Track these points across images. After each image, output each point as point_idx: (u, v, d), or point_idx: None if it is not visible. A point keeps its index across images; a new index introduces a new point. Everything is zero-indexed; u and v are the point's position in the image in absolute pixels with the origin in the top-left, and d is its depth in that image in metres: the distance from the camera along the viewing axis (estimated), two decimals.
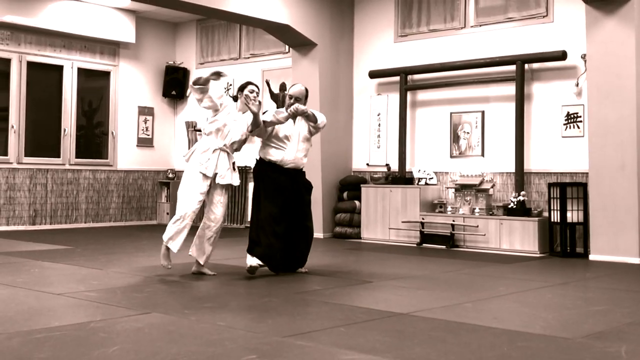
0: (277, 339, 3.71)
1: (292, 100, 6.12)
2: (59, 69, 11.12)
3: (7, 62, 10.55)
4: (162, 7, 8.99)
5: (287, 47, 10.67)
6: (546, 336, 3.89)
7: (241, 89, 6.13)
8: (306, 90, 6.29)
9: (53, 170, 10.99)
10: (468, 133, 9.20)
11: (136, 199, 12.04)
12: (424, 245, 8.89)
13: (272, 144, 6.08)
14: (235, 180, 6.11)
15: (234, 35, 11.78)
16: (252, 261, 5.90)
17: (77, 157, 11.27)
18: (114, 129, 11.77)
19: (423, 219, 8.96)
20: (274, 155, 6.05)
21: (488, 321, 4.29)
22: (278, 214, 6.01)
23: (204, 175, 5.96)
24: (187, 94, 12.36)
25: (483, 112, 9.09)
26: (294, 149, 6.09)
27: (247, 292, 5.31)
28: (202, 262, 6.08)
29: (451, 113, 9.36)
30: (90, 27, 11.12)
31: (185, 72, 12.37)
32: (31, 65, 10.78)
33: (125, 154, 11.91)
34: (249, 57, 11.57)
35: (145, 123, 12.20)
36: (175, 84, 12.31)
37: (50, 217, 10.98)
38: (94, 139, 11.69)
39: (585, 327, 4.17)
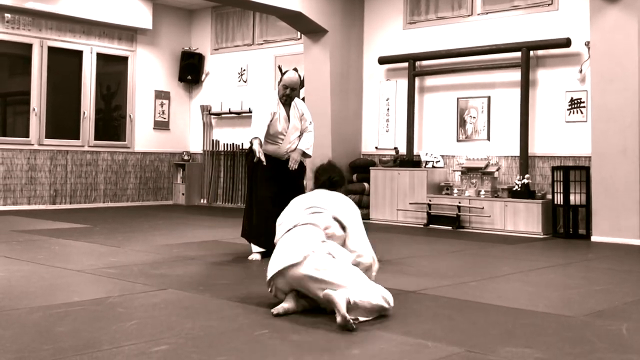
0: (288, 314, 3.77)
1: (287, 91, 6.03)
2: (78, 54, 11.29)
3: (29, 47, 10.71)
4: None
5: (299, 33, 10.76)
6: (549, 314, 3.94)
7: None
8: (300, 78, 6.14)
9: (73, 152, 11.18)
10: (474, 118, 9.33)
11: (153, 180, 12.24)
12: (430, 226, 9.04)
13: (267, 140, 6.04)
14: None
15: (247, 22, 11.91)
16: (256, 256, 5.92)
17: (95, 139, 11.46)
18: (132, 112, 11.96)
19: (430, 200, 9.12)
20: (269, 148, 6.04)
21: (493, 299, 4.35)
22: (273, 198, 5.97)
23: None
24: (202, 79, 12.59)
25: (489, 98, 9.21)
26: (286, 142, 6.12)
27: (259, 271, 5.20)
28: None
29: (458, 98, 9.48)
30: (108, 14, 11.28)
31: (200, 58, 12.51)
32: (52, 51, 10.94)
33: (142, 137, 12.10)
34: (262, 44, 11.70)
35: (162, 107, 12.39)
36: (190, 69, 12.45)
37: (70, 196, 11.19)
38: (112, 121, 11.88)
39: (587, 306, 4.22)
